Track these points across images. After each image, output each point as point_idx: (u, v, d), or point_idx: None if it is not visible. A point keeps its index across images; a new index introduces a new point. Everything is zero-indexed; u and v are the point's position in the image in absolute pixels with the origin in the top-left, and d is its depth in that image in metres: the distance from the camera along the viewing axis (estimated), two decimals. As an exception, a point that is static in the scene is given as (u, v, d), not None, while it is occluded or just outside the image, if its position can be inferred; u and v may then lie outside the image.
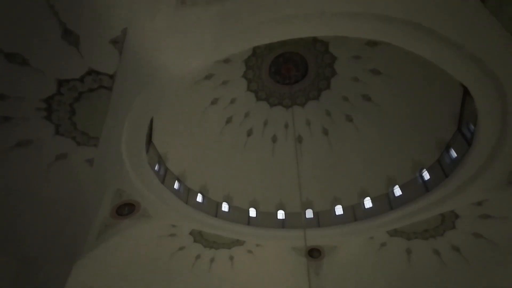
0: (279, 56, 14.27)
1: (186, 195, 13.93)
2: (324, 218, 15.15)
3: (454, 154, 10.78)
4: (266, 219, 15.54)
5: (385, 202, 13.47)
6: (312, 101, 15.90)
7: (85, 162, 9.77)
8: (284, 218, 15.90)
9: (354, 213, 14.47)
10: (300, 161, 14.11)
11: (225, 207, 15.62)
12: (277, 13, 7.14)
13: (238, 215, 15.27)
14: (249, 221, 15.28)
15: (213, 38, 7.57)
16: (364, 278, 14.73)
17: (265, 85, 15.52)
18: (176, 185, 13.86)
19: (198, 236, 14.87)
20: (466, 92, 8.87)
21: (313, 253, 15.01)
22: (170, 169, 13.62)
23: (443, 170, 11.05)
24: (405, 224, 12.83)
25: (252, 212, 15.96)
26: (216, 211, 14.72)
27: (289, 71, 14.88)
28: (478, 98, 7.92)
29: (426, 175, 12.15)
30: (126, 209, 12.09)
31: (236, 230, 14.67)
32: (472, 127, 9.47)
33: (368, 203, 14.50)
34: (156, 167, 12.45)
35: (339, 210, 15.31)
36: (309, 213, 15.92)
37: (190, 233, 14.60)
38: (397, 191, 13.47)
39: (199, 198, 14.89)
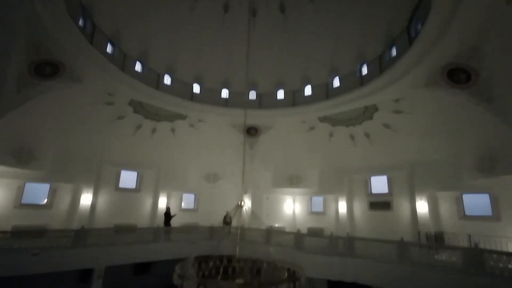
0: None
1: (122, 61, 12.56)
2: (266, 100, 15.91)
3: (394, 52, 11.34)
4: (210, 96, 15.61)
5: (323, 91, 14.47)
6: (274, -32, 13.64)
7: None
8: (227, 97, 16.16)
9: (294, 98, 15.42)
10: (251, 37, 13.22)
11: (167, 79, 14.87)
12: None
13: (181, 89, 14.89)
14: (192, 96, 15.17)
15: None
16: (289, 152, 17.31)
17: None
18: (109, 48, 12.17)
19: (138, 107, 14.50)
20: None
21: (251, 131, 16.46)
22: (100, 26, 11.52)
23: (380, 66, 11.80)
24: (335, 112, 14.43)
25: (196, 88, 15.69)
26: (157, 82, 13.99)
27: None
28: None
29: (365, 70, 12.93)
30: (48, 69, 10.60)
31: (179, 104, 14.64)
32: (419, 26, 9.67)
33: (308, 90, 15.38)
34: (80, 22, 10.35)
35: (280, 94, 16.06)
36: (252, 95, 16.41)
37: (129, 104, 14.07)
38: (336, 82, 14.36)
39: (138, 66, 13.64)
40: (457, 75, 9.87)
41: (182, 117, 15.71)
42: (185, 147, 17.03)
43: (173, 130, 16.34)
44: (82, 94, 12.19)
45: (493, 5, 7.55)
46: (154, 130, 15.96)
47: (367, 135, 15.02)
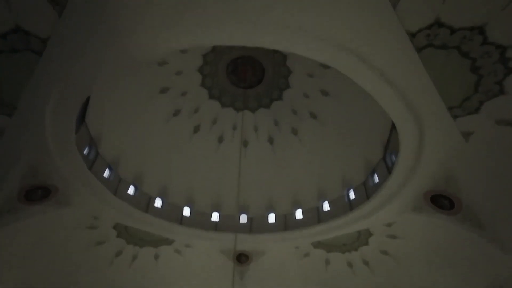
0: (238, 58, 14.26)
1: (116, 185, 12.82)
2: (256, 224, 15.46)
3: (376, 179, 12.12)
4: (200, 220, 15.16)
5: (314, 215, 14.38)
6: (263, 109, 16.25)
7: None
8: (218, 220, 15.75)
9: (285, 222, 15.10)
10: (243, 164, 14.20)
11: (158, 202, 14.80)
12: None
13: (171, 212, 14.59)
14: (182, 220, 14.73)
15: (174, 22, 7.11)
16: (284, 284, 15.44)
17: (220, 84, 15.33)
18: (106, 173, 12.67)
19: (123, 231, 13.79)
20: (394, 126, 10.06)
21: (241, 258, 15.19)
22: (102, 154, 12.42)
23: (366, 191, 12.32)
24: (328, 237, 13.89)
25: (186, 211, 15.45)
26: (147, 205, 13.84)
27: (246, 74, 14.97)
28: (402, 135, 9.09)
29: (352, 195, 13.39)
30: (40, 192, 10.61)
31: (167, 228, 14.00)
32: (393, 157, 10.76)
33: (299, 214, 15.30)
34: (86, 150, 11.22)
35: (272, 218, 15.80)
36: (243, 218, 16.09)
37: (114, 227, 13.45)
38: (326, 206, 14.53)
39: (131, 190, 13.83)
40: (440, 201, 10.25)
41: (168, 242, 14.74)
42: (167, 276, 15.17)
43: (156, 256, 14.99)
44: (65, 219, 11.75)
45: (454, 145, 8.71)
46: (134, 257, 14.61)
47: (365, 263, 14.00)
